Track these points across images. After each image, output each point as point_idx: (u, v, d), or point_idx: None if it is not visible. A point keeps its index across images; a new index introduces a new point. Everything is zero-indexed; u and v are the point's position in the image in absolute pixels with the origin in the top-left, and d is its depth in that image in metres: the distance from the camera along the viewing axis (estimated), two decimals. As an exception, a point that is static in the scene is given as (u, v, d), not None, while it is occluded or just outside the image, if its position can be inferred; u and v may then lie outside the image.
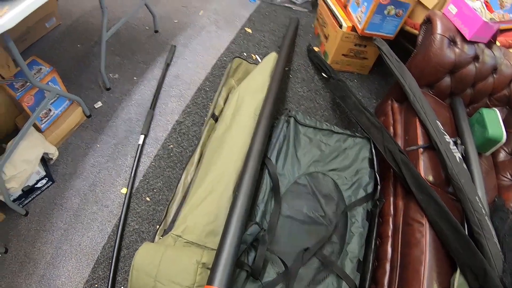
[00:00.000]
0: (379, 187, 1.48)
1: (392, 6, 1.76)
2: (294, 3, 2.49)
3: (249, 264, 1.27)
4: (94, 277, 1.54)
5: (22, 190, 1.66)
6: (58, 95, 1.75)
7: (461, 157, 1.40)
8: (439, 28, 1.52)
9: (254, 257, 1.27)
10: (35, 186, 1.70)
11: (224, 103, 1.80)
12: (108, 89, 2.08)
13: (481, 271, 1.09)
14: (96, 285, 1.52)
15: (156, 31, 2.43)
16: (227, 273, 1.07)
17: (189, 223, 1.31)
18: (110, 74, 2.15)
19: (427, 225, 1.25)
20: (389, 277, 1.28)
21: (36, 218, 1.70)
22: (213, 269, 1.08)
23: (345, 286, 1.26)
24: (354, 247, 1.35)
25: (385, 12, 1.78)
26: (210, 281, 1.05)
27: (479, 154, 1.53)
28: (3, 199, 1.59)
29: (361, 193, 1.47)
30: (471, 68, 1.58)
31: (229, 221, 1.20)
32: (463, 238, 1.16)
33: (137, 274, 1.15)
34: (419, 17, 1.79)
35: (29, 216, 1.70)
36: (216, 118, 1.74)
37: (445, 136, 1.42)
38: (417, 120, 1.52)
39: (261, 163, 1.42)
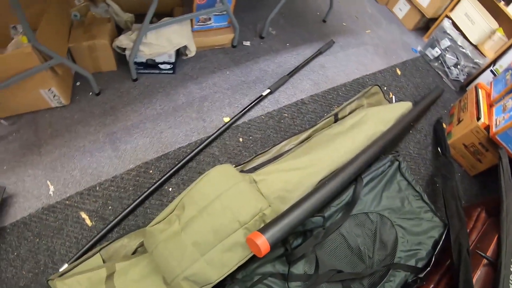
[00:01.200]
0: (428, 269, 1.46)
1: None
2: (447, 76, 2.52)
3: (291, 247, 1.32)
4: (154, 164, 1.67)
5: (147, 60, 1.83)
6: (225, 12, 1.90)
7: None
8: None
9: (299, 244, 1.33)
10: (159, 65, 1.87)
11: (349, 113, 1.87)
12: (261, 38, 2.29)
13: None
14: (150, 171, 1.65)
15: (324, 21, 2.61)
16: (279, 234, 1.13)
17: (270, 179, 1.38)
18: (270, 28, 2.34)
19: None
20: None
21: (140, 88, 1.88)
22: (271, 223, 1.15)
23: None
24: None
25: None
26: (262, 230, 1.11)
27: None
28: (127, 56, 1.76)
29: (411, 263, 1.46)
30: None
31: (308, 197, 1.27)
32: None
33: (207, 181, 1.24)
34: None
35: (136, 83, 1.89)
36: (336, 119, 1.83)
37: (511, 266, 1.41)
38: (497, 237, 1.50)
39: (354, 177, 1.48)
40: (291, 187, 1.37)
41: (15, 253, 1.40)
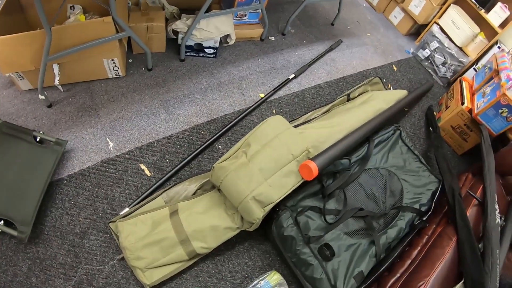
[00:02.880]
0: (429, 213, 1.78)
1: (507, 109, 2.08)
2: (436, 73, 2.95)
3: (326, 184, 1.65)
4: (204, 126, 1.97)
5: (194, 44, 2.14)
6: (259, 10, 2.26)
7: (500, 221, 1.68)
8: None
9: (330, 183, 1.66)
10: (204, 48, 2.19)
11: (358, 95, 2.27)
12: (283, 35, 2.72)
13: (480, 285, 1.40)
14: (202, 132, 1.95)
15: (332, 24, 3.07)
16: (324, 163, 1.46)
17: (307, 132, 1.70)
18: (289, 27, 2.74)
19: (454, 242, 1.58)
20: (405, 270, 1.57)
21: (187, 67, 2.20)
22: (320, 154, 1.49)
23: (372, 252, 1.57)
24: (393, 233, 1.67)
25: (500, 111, 2.11)
26: (313, 159, 1.44)
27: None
28: (179, 39, 2.08)
29: (416, 207, 1.79)
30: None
31: (341, 140, 1.62)
32: (477, 258, 1.48)
33: (267, 125, 1.55)
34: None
35: (183, 63, 2.21)
36: (348, 99, 2.21)
37: (495, 205, 1.71)
38: (482, 186, 1.84)
39: (367, 137, 1.85)
40: (322, 139, 1.67)
41: (72, 202, 1.55)
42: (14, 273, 1.36)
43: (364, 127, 1.79)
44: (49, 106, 1.85)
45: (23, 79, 1.81)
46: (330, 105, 2.11)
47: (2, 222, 1.39)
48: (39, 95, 1.75)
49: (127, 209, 1.57)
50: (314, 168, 1.40)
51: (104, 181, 1.65)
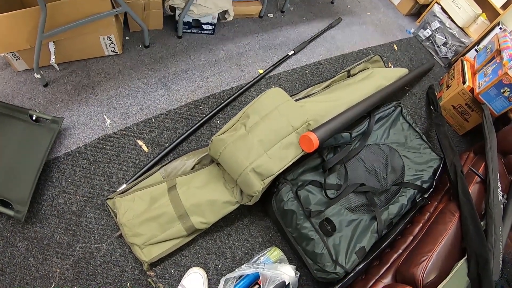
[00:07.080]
0: (431, 190, 1.77)
1: (508, 89, 2.06)
2: (437, 53, 2.93)
3: (326, 158, 1.63)
4: (203, 102, 1.94)
5: (192, 21, 2.10)
6: (258, -14, 2.22)
7: (502, 199, 1.67)
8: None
9: (331, 157, 1.63)
10: (202, 25, 2.15)
11: (358, 72, 2.23)
12: (282, 12, 2.68)
13: (484, 260, 1.38)
14: (200, 107, 1.92)
15: (332, 2, 3.03)
16: (326, 134, 1.43)
17: (307, 105, 1.66)
18: (289, 5, 2.72)
19: (457, 218, 1.56)
20: (407, 246, 1.55)
21: (185, 44, 2.16)
22: (321, 126, 1.45)
23: (374, 227, 1.55)
24: (395, 209, 1.65)
25: (501, 90, 2.08)
26: (313, 130, 1.41)
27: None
28: (177, 16, 2.04)
29: (418, 183, 1.77)
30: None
31: (342, 114, 1.58)
32: (480, 233, 1.46)
33: (266, 96, 1.51)
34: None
35: (181, 40, 2.17)
36: (348, 75, 2.17)
37: (498, 183, 1.70)
38: (484, 163, 1.82)
39: (368, 112, 1.82)
40: (323, 113, 1.62)
41: (69, 180, 1.52)
42: (12, 254, 1.34)
43: (365, 102, 1.76)
44: (45, 85, 1.81)
45: (18, 59, 1.76)
46: (330, 80, 2.08)
47: (-1, 202, 1.38)
48: (35, 74, 1.71)
49: (124, 185, 1.55)
50: (314, 139, 1.36)
51: (101, 158, 1.62)
